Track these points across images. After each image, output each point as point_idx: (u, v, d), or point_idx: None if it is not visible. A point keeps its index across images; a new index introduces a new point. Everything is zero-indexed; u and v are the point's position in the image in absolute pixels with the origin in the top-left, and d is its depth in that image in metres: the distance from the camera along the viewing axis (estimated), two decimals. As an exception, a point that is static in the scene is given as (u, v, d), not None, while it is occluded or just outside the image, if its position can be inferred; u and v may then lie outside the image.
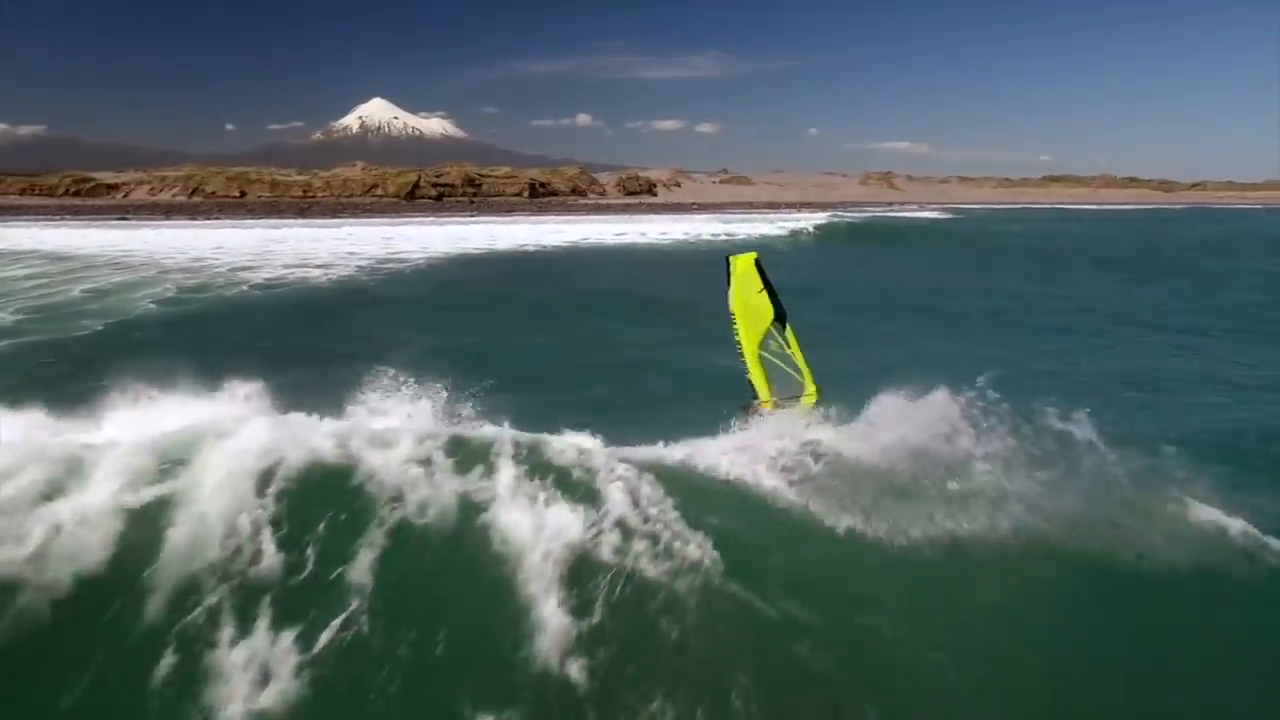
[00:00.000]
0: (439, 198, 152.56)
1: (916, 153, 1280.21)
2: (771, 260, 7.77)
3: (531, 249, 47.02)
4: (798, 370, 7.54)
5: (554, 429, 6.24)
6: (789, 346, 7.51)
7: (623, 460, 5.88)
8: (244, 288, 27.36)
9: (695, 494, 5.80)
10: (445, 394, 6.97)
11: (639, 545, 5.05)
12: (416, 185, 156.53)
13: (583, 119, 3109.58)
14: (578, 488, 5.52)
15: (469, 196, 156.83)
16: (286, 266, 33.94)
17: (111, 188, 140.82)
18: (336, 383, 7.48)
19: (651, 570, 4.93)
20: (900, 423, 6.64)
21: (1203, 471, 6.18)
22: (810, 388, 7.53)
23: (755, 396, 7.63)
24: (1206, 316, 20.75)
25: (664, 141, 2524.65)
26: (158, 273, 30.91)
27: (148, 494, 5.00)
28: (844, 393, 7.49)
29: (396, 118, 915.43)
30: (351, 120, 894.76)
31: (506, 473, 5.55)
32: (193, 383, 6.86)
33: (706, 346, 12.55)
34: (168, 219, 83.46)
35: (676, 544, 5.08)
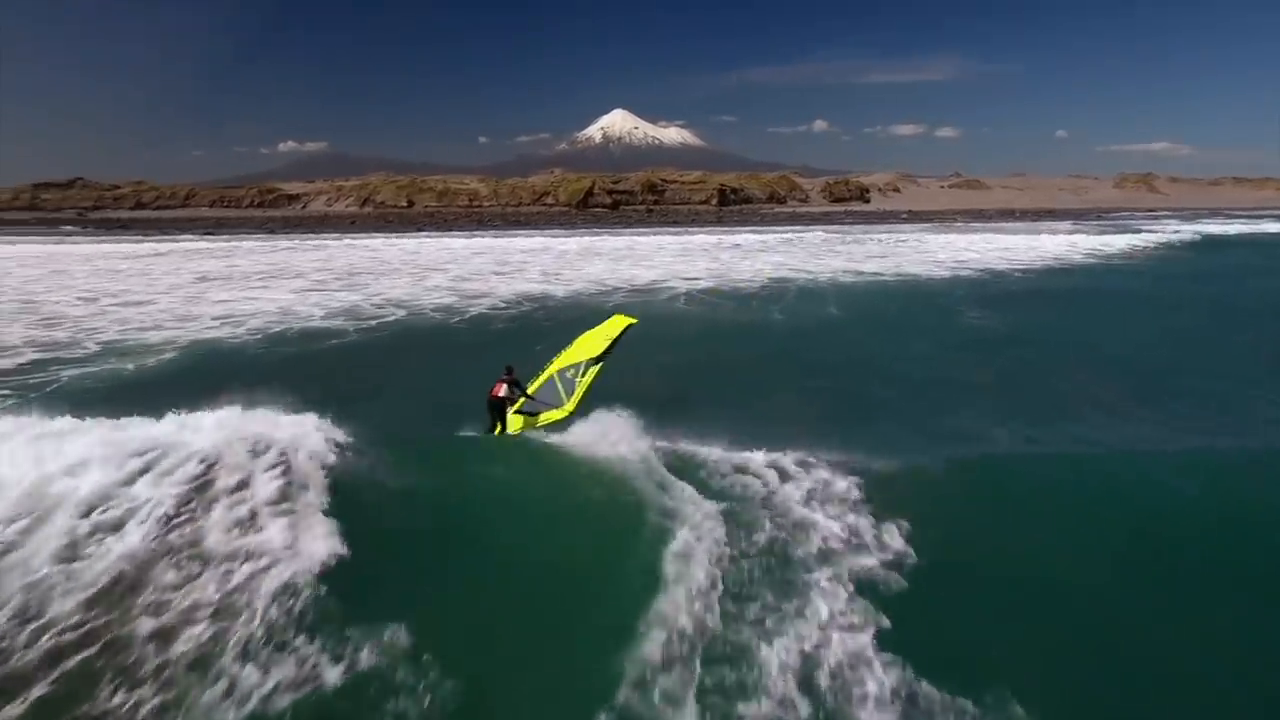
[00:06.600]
0: (614, 206, 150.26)
1: (1177, 154, 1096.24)
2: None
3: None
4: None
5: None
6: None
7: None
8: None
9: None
10: None
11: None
12: (590, 193, 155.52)
13: (819, 125, 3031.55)
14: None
15: (648, 205, 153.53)
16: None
17: (292, 198, 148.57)
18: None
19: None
20: None
21: None
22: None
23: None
24: None
25: (902, 146, 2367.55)
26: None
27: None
28: None
29: (636, 128, 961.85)
30: (594, 131, 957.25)
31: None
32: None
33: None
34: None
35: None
